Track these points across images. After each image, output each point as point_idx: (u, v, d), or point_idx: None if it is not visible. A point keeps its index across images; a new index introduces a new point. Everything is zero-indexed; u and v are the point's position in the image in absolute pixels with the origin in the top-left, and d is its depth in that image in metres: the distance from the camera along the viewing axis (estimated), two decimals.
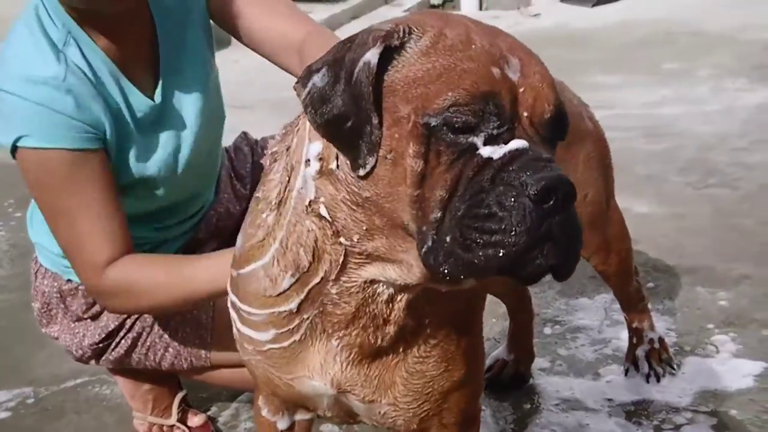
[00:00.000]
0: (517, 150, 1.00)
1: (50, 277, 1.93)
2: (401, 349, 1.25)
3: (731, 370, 2.26)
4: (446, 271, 1.02)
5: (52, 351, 2.39)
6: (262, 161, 1.63)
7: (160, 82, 1.77)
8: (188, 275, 1.61)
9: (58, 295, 1.92)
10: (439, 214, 1.01)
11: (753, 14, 6.16)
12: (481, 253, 0.98)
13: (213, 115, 1.91)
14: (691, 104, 4.53)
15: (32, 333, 2.27)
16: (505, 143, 1.00)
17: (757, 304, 2.56)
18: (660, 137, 4.06)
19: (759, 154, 3.76)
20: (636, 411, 2.13)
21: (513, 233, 0.97)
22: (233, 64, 4.70)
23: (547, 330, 2.50)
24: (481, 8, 7.56)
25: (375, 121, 1.03)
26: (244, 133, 2.22)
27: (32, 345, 2.53)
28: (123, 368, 2.03)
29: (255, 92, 4.97)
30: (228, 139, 2.13)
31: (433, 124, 1.01)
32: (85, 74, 1.64)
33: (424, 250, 1.03)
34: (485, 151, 1.00)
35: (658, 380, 2.21)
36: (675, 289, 2.68)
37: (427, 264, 1.04)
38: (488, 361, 2.29)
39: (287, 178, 1.19)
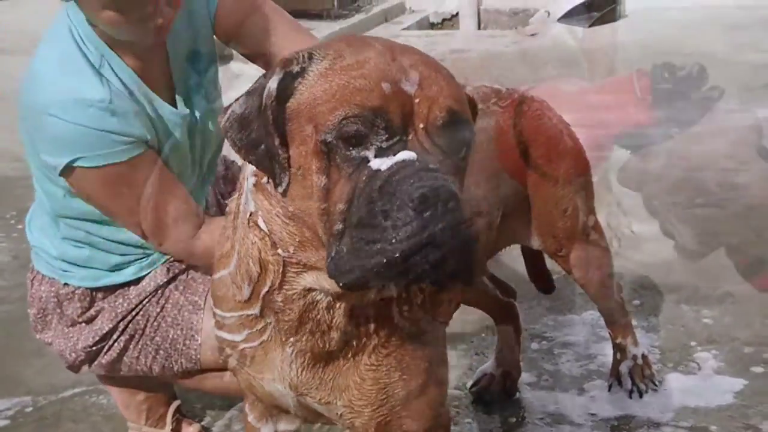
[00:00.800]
0: (404, 161, 1.06)
1: (47, 282, 1.98)
2: (350, 355, 1.31)
3: (712, 386, 2.31)
4: (344, 279, 1.09)
5: (50, 361, 2.43)
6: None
7: (177, 97, 1.88)
8: None
9: (55, 300, 1.97)
10: (340, 226, 1.08)
11: (743, 36, 6.25)
12: (367, 261, 1.05)
13: (216, 129, 1.99)
14: (681, 125, 4.60)
15: (31, 343, 2.32)
16: (395, 155, 1.07)
17: (739, 322, 2.62)
18: (649, 157, 4.13)
19: (747, 175, 3.82)
20: (619, 426, 2.18)
21: (393, 241, 1.03)
22: (234, 79, 4.77)
23: (535, 345, 2.55)
24: (479, 28, 7.65)
25: (276, 142, 1.11)
26: (223, 156, 2.30)
27: (31, 355, 2.58)
28: (117, 378, 2.07)
29: None
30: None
31: (329, 140, 1.08)
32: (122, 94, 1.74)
33: (328, 260, 1.10)
34: (375, 163, 1.07)
35: (641, 396, 2.26)
36: (660, 306, 2.74)
37: (330, 273, 1.11)
38: (476, 375, 2.35)
39: (239, 194, 1.29)
